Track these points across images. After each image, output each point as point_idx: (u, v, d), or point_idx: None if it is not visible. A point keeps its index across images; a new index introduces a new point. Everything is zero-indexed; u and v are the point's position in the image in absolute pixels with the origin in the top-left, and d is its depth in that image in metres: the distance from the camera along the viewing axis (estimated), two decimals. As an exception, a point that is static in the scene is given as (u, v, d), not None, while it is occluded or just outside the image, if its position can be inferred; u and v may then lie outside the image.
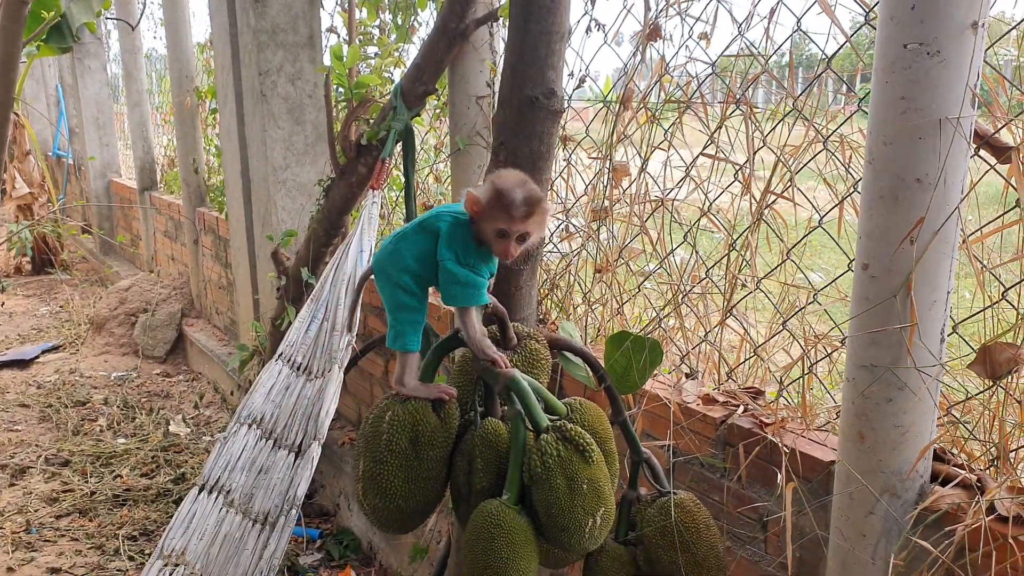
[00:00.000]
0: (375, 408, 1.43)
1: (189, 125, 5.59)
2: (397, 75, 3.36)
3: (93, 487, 3.85)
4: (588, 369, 1.73)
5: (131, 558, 3.25)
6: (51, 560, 3.23)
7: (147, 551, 3.32)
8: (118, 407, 4.90)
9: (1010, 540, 1.35)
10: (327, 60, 3.78)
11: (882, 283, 1.47)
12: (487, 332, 1.39)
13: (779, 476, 1.71)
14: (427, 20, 3.02)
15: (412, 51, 2.99)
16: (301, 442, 1.83)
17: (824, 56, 1.78)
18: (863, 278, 1.51)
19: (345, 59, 2.58)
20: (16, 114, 7.50)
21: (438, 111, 2.98)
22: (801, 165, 1.86)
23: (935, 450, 1.61)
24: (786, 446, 1.74)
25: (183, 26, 5.43)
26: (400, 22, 3.10)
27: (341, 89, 2.80)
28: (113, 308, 5.99)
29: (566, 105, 1.59)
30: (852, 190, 1.77)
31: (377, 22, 3.38)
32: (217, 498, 1.76)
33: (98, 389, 5.27)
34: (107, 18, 6.44)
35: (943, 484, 1.56)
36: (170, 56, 5.57)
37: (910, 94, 1.39)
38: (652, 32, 1.93)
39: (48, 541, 3.40)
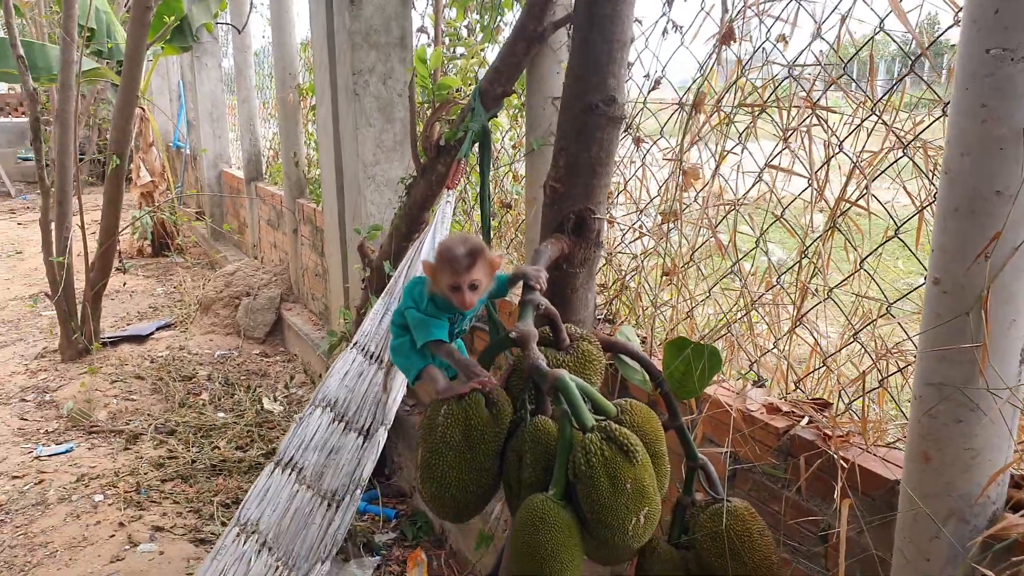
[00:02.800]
0: (432, 403, 1.49)
1: (291, 120, 5.86)
2: (482, 75, 3.44)
3: (194, 456, 4.13)
4: (645, 373, 1.74)
5: (223, 523, 3.48)
6: (155, 519, 3.50)
7: (237, 520, 3.55)
8: (220, 383, 5.22)
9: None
10: (418, 59, 3.91)
11: (954, 299, 1.42)
12: (536, 334, 1.43)
13: (835, 491, 1.67)
14: (512, 20, 3.07)
15: (496, 51, 3.04)
16: (370, 426, 1.92)
17: (908, 56, 1.72)
18: (934, 293, 1.46)
19: (428, 61, 2.66)
20: (142, 108, 8.06)
21: (516, 112, 3.02)
22: (878, 172, 1.80)
23: (1013, 476, 1.53)
24: (846, 461, 1.70)
25: (288, 26, 5.69)
26: (486, 22, 3.17)
27: (424, 90, 2.88)
28: (219, 291, 6.36)
29: (626, 112, 1.60)
30: (932, 199, 1.70)
31: (465, 22, 3.45)
32: (291, 474, 1.88)
33: (203, 366, 5.62)
34: (218, 23, 6.81)
35: (1016, 511, 1.49)
36: (275, 54, 5.85)
37: (991, 102, 1.33)
38: (727, 35, 1.90)
39: (154, 502, 3.68)
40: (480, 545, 2.95)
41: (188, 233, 9.37)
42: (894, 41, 1.75)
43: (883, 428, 1.76)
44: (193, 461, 4.10)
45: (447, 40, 3.42)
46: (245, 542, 1.80)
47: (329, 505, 1.79)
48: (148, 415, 4.78)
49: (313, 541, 1.72)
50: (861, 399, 1.87)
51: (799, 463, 1.83)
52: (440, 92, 2.72)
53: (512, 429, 1.47)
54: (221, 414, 4.78)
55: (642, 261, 2.32)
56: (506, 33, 3.15)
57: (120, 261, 7.98)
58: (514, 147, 3.23)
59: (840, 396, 1.92)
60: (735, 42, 1.92)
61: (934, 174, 1.78)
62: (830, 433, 1.83)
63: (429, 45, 4.04)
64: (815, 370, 2.03)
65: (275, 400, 4.95)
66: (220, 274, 6.58)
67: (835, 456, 1.73)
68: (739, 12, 2.00)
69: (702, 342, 1.69)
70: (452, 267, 1.46)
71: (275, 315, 6.20)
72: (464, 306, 1.47)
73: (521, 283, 1.52)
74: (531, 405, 1.47)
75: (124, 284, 7.82)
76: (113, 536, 3.43)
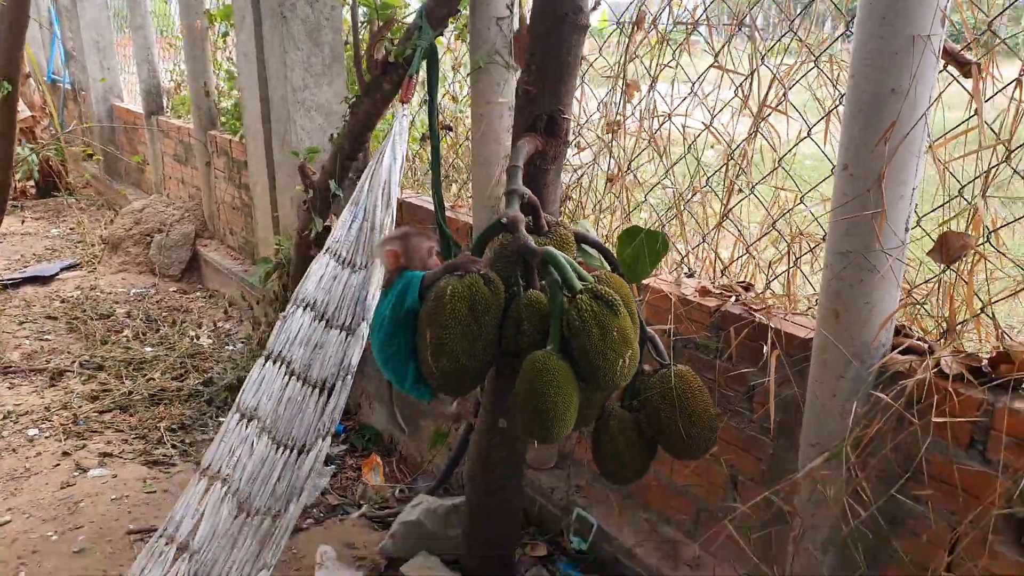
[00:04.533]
0: (434, 290, 1.70)
1: (199, 49, 5.70)
2: (414, -1, 3.53)
3: (129, 387, 4.15)
4: (603, 259, 2.00)
5: (174, 446, 3.57)
6: (101, 447, 3.54)
7: (188, 441, 3.64)
8: (141, 320, 5.17)
9: (950, 390, 1.65)
10: (342, -17, 3.93)
11: (858, 180, 1.73)
12: (524, 219, 1.66)
13: (764, 348, 2.00)
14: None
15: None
16: (351, 323, 2.10)
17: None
18: (843, 176, 1.77)
19: (373, -19, 2.75)
20: (17, 36, 7.52)
21: (457, 33, 3.16)
22: (794, 82, 2.10)
23: (896, 326, 1.90)
24: (776, 327, 2.04)
25: (192, -52, 5.48)
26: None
27: (364, 10, 2.98)
28: (128, 228, 6.20)
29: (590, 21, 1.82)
30: (837, 104, 2.01)
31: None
32: (280, 367, 2.04)
33: (120, 304, 5.52)
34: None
35: (901, 353, 1.85)
36: (179, -22, 5.64)
37: (889, 14, 1.62)
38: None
39: (95, 432, 3.71)
40: (435, 444, 3.20)
41: (78, 172, 8.92)
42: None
43: (797, 299, 2.10)
44: (129, 392, 4.12)
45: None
46: (247, 426, 1.97)
47: (321, 392, 1.98)
48: (68, 353, 4.71)
49: (310, 423, 1.91)
50: (779, 277, 2.21)
51: (729, 335, 2.16)
52: (384, 11, 2.83)
53: (506, 305, 1.70)
54: (149, 348, 4.77)
55: (585, 171, 2.56)
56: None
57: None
58: (453, 68, 3.38)
59: (765, 279, 2.25)
60: (670, -35, 2.16)
61: (838, 81, 2.09)
62: (755, 307, 2.17)
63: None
64: (739, 258, 2.36)
65: (202, 333, 4.97)
66: (127, 211, 6.40)
67: (763, 323, 2.06)
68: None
69: (652, 229, 1.96)
70: (421, 236, 1.80)
71: (190, 251, 6.12)
72: (435, 264, 1.83)
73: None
74: (522, 282, 1.70)
75: (22, 223, 7.45)
76: (58, 465, 3.46)
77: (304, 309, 2.15)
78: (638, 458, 2.03)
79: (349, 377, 1.94)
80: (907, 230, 1.76)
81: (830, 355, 1.87)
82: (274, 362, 2.06)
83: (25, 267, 6.34)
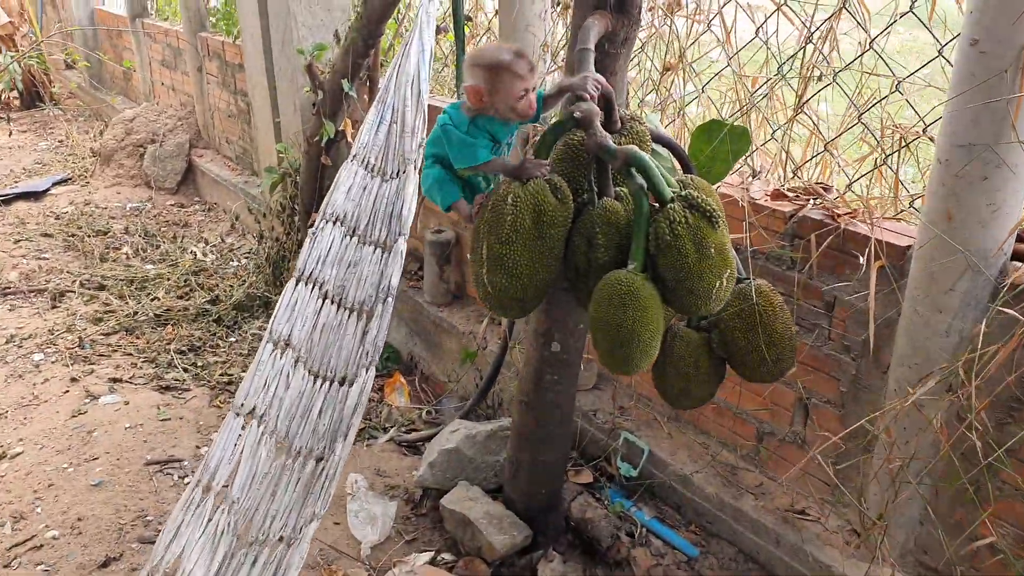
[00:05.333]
0: (493, 194, 1.46)
1: (184, -61, 5.22)
2: None
3: (133, 308, 3.94)
4: (673, 160, 1.74)
5: (185, 369, 3.39)
6: (110, 372, 3.36)
7: (199, 364, 3.45)
8: (140, 236, 4.92)
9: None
10: None
11: (992, 58, 1.46)
12: (600, 113, 1.40)
13: (861, 260, 1.77)
14: None
15: None
16: (386, 239, 1.86)
17: None
18: (970, 54, 1.50)
19: None
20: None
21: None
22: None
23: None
24: (866, 234, 1.80)
25: None
26: None
27: None
28: (120, 139, 5.86)
29: None
30: (952, -31, 1.71)
31: None
32: (313, 289, 1.81)
33: (116, 219, 5.26)
34: None
35: (1020, 261, 1.63)
36: None
37: None
38: None
39: (103, 355, 3.52)
40: (464, 362, 3.02)
41: (62, 81, 8.46)
42: None
43: (895, 201, 1.85)
44: (134, 313, 3.90)
45: None
46: (281, 357, 1.75)
47: (359, 316, 1.75)
48: (68, 272, 4.48)
49: (350, 351, 1.69)
50: (864, 178, 1.96)
51: (809, 243, 1.92)
52: None
53: (575, 214, 1.46)
54: (150, 266, 4.53)
55: (642, 53, 2.27)
56: None
57: (-7, 114, 7.18)
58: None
59: (846, 179, 2.00)
60: None
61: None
62: (838, 211, 1.92)
63: None
64: (815, 156, 2.10)
65: (205, 249, 4.73)
66: (118, 121, 6.03)
67: (851, 230, 1.82)
68: None
69: (735, 124, 1.70)
70: (517, 72, 1.42)
71: (186, 162, 5.80)
72: (529, 111, 1.46)
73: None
74: (595, 188, 1.45)
75: (1, 139, 7.08)
76: (67, 392, 3.28)
77: (334, 224, 1.90)
78: (706, 383, 1.82)
79: (390, 300, 1.70)
80: (1044, 118, 1.50)
81: (938, 265, 1.65)
82: (306, 283, 1.82)
83: (16, 183, 6.03)
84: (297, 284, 1.82)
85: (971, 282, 1.62)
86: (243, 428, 1.59)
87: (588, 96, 1.39)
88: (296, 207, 3.74)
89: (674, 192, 1.35)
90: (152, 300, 4.05)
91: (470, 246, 1.53)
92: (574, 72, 1.48)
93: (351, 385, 1.63)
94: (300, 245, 3.79)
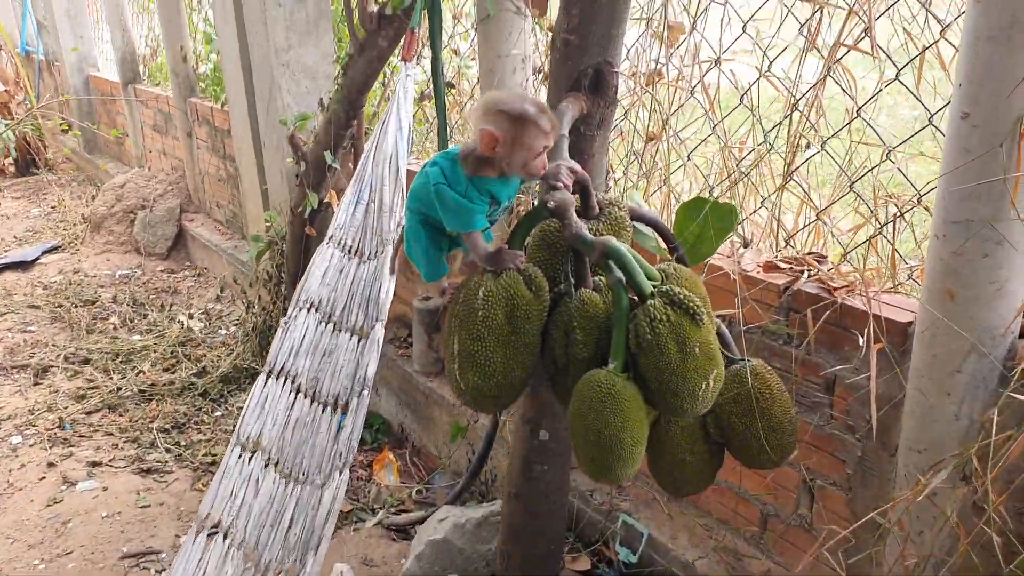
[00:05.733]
0: (463, 287, 1.37)
1: (173, 10, 5.26)
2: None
3: (117, 383, 3.84)
4: (658, 239, 1.67)
5: (168, 450, 3.27)
6: (90, 454, 3.24)
7: (182, 443, 3.34)
8: (128, 305, 4.84)
9: (1115, 389, 1.34)
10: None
11: (985, 131, 1.39)
12: (575, 202, 1.32)
13: (860, 340, 1.68)
14: None
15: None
16: (363, 325, 1.78)
17: None
18: (962, 128, 1.43)
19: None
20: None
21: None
22: (879, 14, 1.74)
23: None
24: (864, 309, 1.71)
25: None
26: None
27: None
28: (110, 206, 5.83)
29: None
30: (939, 38, 1.66)
31: None
32: (285, 383, 1.73)
33: (105, 288, 5.19)
34: None
35: (1029, 339, 1.54)
36: (144, -68, 5.17)
37: (1032, -82, 1.27)
38: None
39: (83, 436, 3.41)
40: (455, 438, 2.91)
41: (57, 148, 8.49)
42: None
43: (893, 274, 1.77)
44: (118, 389, 3.80)
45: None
46: (250, 460, 1.66)
47: (334, 410, 1.66)
48: (53, 346, 4.39)
49: (324, 451, 1.60)
50: (859, 248, 1.88)
51: (805, 317, 1.84)
52: (375, -44, 2.45)
53: (551, 306, 1.37)
54: (137, 337, 4.44)
55: (618, 125, 2.21)
56: None
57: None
58: (453, 18, 2.99)
59: (840, 248, 1.92)
60: None
61: (927, 16, 1.74)
62: (834, 284, 1.84)
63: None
64: (807, 225, 2.03)
65: (197, 317, 4.65)
66: (108, 187, 6.01)
67: (849, 304, 1.74)
68: None
69: (719, 201, 1.62)
70: (539, 127, 1.28)
71: (176, 227, 5.76)
72: (542, 171, 1.33)
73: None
74: (572, 278, 1.37)
75: (-3, 207, 7.07)
76: (44, 478, 3.16)
77: (308, 311, 1.82)
78: (704, 470, 1.72)
79: (366, 392, 1.62)
80: (1044, 191, 1.43)
81: (941, 345, 1.55)
82: (277, 378, 1.74)
83: (6, 251, 5.98)
84: (267, 379, 1.74)
85: (978, 364, 1.52)
86: (206, 545, 1.49)
87: (562, 185, 1.32)
88: (282, 275, 3.67)
89: (654, 285, 1.27)
90: (137, 374, 3.95)
91: (443, 341, 1.45)
92: (550, 157, 1.41)
93: (324, 488, 1.54)
94: (286, 313, 3.70)
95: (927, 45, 1.68)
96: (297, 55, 3.60)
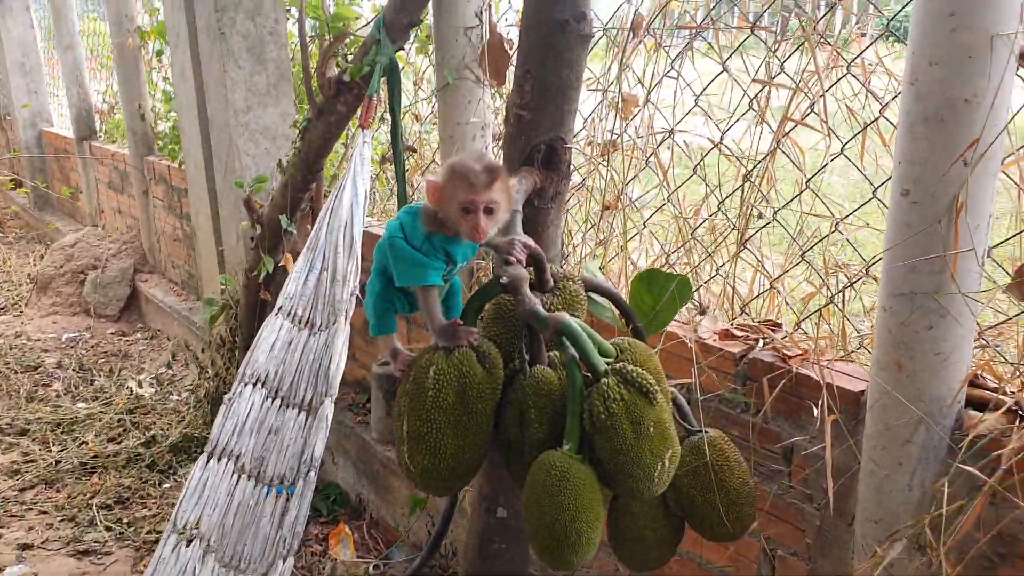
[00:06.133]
0: (414, 365, 1.35)
1: (132, 68, 5.25)
2: (367, 8, 3.18)
3: (57, 456, 3.68)
4: (614, 310, 1.67)
5: (108, 528, 3.12)
6: (21, 536, 3.07)
7: (125, 520, 3.20)
8: (74, 370, 4.69)
9: (1061, 461, 1.36)
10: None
11: (924, 208, 1.43)
12: (528, 277, 1.32)
13: (815, 410, 1.69)
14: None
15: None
16: (311, 400, 1.73)
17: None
18: (903, 204, 1.47)
19: (321, -11, 2.40)
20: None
21: (419, 46, 2.82)
22: (821, 93, 1.80)
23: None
24: (817, 379, 1.72)
25: (117, -40, 5.04)
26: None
27: (313, 22, 2.61)
28: (59, 266, 5.69)
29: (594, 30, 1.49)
30: (878, 116, 1.72)
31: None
32: (227, 464, 1.66)
33: (49, 352, 5.02)
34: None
35: (978, 409, 1.56)
36: (105, -6, 5.19)
37: (960, 10, 1.33)
38: (664, -48, 1.82)
39: (15, 516, 3.23)
40: (413, 510, 2.83)
41: (4, 204, 8.31)
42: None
43: (844, 343, 1.80)
44: (57, 462, 3.63)
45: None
46: (186, 549, 1.58)
47: (279, 494, 1.60)
48: (-11, 415, 4.21)
49: (267, 537, 1.54)
50: (812, 316, 1.90)
51: (762, 386, 1.84)
52: (336, 24, 2.47)
53: (505, 383, 1.35)
54: (82, 405, 4.29)
55: (573, 194, 2.23)
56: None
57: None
58: (414, 84, 3.03)
59: (793, 316, 1.94)
60: (673, -39, 1.84)
61: (867, 94, 1.80)
62: (788, 352, 1.85)
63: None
64: (761, 293, 2.05)
65: (147, 382, 4.51)
66: (57, 247, 5.88)
67: (805, 374, 1.75)
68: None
69: (673, 272, 1.64)
70: (469, 182, 1.27)
71: (129, 288, 5.64)
72: (477, 232, 1.29)
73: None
74: (525, 354, 1.36)
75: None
76: (-30, 562, 3.00)
77: (254, 386, 1.77)
78: (665, 543, 1.70)
79: (312, 474, 1.57)
80: (982, 265, 1.47)
81: (893, 416, 1.57)
82: (219, 459, 1.68)
83: (-54, 314, 5.78)
84: (208, 460, 1.67)
85: (927, 434, 1.54)
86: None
87: (515, 259, 1.31)
88: (236, 340, 3.59)
89: (608, 363, 1.26)
90: (79, 445, 3.79)
91: (393, 418, 1.41)
92: (505, 231, 1.41)
93: (268, 578, 1.47)
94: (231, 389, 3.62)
95: (868, 122, 1.74)
96: (256, 116, 3.60)
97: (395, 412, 1.36)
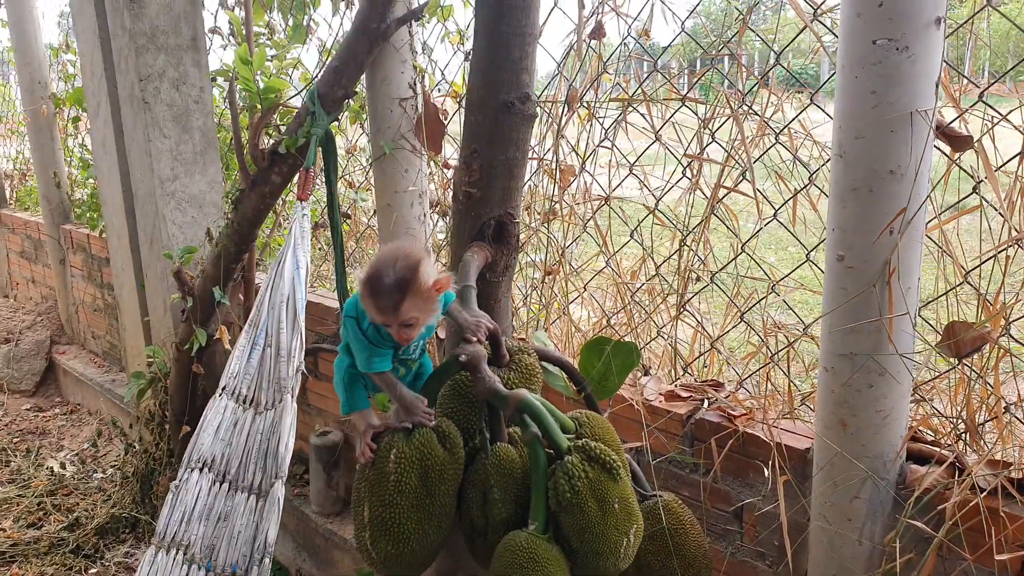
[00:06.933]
0: (377, 452, 1.31)
1: (46, 135, 5.08)
2: (296, 78, 3.18)
3: (-29, 545, 3.43)
4: (565, 378, 1.68)
5: (31, 623, 2.92)
6: (-65, 637, 2.84)
7: (49, 612, 2.99)
8: (-14, 452, 4.40)
9: (1001, 512, 1.42)
10: (212, 63, 3.53)
11: (859, 273, 1.50)
12: (486, 355, 1.31)
13: (765, 470, 1.73)
14: (324, 19, 2.85)
15: (308, 54, 2.83)
16: (261, 482, 1.67)
17: (773, 52, 1.81)
18: (838, 269, 1.54)
19: (253, 62, 2.39)
20: None
21: (352, 116, 2.83)
22: (754, 159, 1.88)
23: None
24: (764, 438, 1.77)
25: (31, 26, 4.91)
26: (292, 22, 2.92)
27: (248, 94, 2.60)
28: (-33, 341, 5.37)
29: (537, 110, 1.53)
30: (808, 183, 1.81)
31: (264, 22, 3.16)
32: (176, 555, 1.58)
33: (-42, 434, 4.71)
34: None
35: (918, 462, 1.62)
36: (18, 61, 5.03)
37: (881, 88, 1.42)
38: (595, 30, 1.89)
39: (-75, 617, 2.99)
40: (359, 584, 2.74)
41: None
42: (756, 35, 1.83)
43: (790, 403, 1.85)
44: (-28, 550, 3.40)
45: (247, 42, 3.11)
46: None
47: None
48: None
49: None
50: (755, 376, 1.96)
51: (710, 446, 1.88)
52: (267, 96, 2.46)
53: (466, 462, 1.34)
54: (-3, 488, 4.02)
55: (524, 255, 2.26)
56: (320, 32, 2.93)
57: None
58: (347, 152, 3.02)
59: (734, 376, 1.99)
60: (604, 36, 1.92)
61: (795, 162, 1.89)
62: (733, 412, 1.90)
63: (225, 47, 3.67)
64: (702, 354, 2.10)
65: (64, 464, 4.26)
66: (-34, 321, 5.56)
67: (751, 433, 1.79)
68: (598, 7, 2.00)
69: (621, 340, 1.67)
70: (376, 307, 1.24)
71: (46, 361, 5.36)
72: (401, 342, 1.29)
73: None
74: (486, 432, 1.35)
75: None
76: None
77: (201, 471, 1.70)
78: (624, 609, 1.69)
79: (267, 560, 1.51)
80: (915, 325, 1.54)
81: (840, 472, 1.61)
82: (167, 551, 1.59)
83: None
84: (157, 553, 1.59)
85: (874, 490, 1.59)
86: None
87: (475, 339, 1.31)
88: (167, 414, 3.45)
89: (570, 440, 1.26)
90: (-4, 533, 3.55)
91: (352, 504, 1.37)
92: (461, 305, 1.40)
93: None
94: (171, 455, 3.46)
95: (798, 189, 1.83)
96: (183, 185, 3.52)
97: (354, 498, 1.32)
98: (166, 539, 1.59)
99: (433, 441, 1.29)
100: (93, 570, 3.29)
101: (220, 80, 3.51)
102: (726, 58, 1.93)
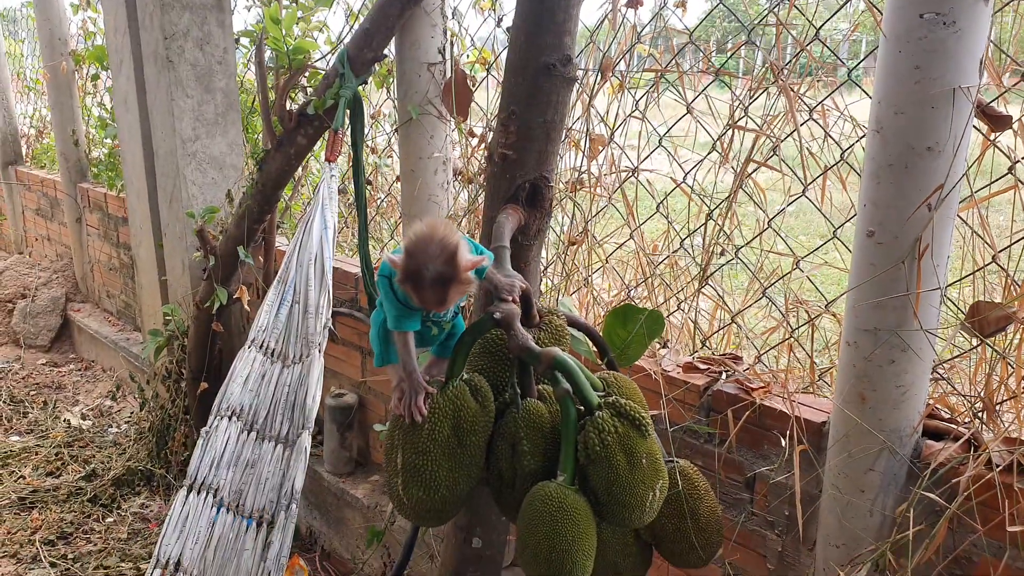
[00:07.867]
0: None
1: (65, 93, 5.09)
2: (322, 41, 3.18)
3: (-8, 492, 3.50)
4: (590, 344, 1.71)
5: (53, 564, 2.98)
6: (-44, 577, 2.92)
7: (69, 555, 3.06)
8: (5, 402, 4.46)
9: (1015, 487, 1.45)
10: (236, 24, 3.53)
11: (889, 249, 1.52)
12: (519, 313, 1.34)
13: (782, 440, 1.76)
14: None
15: (335, 16, 2.83)
16: (288, 433, 1.71)
17: (812, 24, 1.81)
18: (868, 245, 1.56)
19: (283, 21, 2.40)
20: None
21: (379, 80, 2.83)
22: (785, 135, 1.89)
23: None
24: (782, 410, 1.79)
25: (54, -19, 4.91)
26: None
27: (278, 54, 2.61)
28: (-16, 295, 5.43)
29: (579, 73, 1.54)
30: (840, 160, 1.82)
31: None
32: (207, 497, 1.62)
33: (-25, 385, 4.78)
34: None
35: (934, 438, 1.65)
36: (38, 16, 5.03)
37: (924, 63, 1.42)
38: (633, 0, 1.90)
39: (-51, 555, 3.06)
40: (371, 543, 2.79)
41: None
42: (796, 8, 1.84)
43: (812, 376, 1.87)
44: (-8, 497, 3.47)
45: (273, 3, 3.11)
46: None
47: (259, 527, 1.57)
48: (-87, 450, 3.98)
49: (249, 568, 1.51)
50: (773, 350, 1.98)
51: (727, 417, 1.91)
52: (296, 56, 2.47)
53: (497, 416, 1.37)
54: (16, 438, 4.09)
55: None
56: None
57: None
58: (372, 117, 3.03)
59: (753, 350, 2.02)
60: (640, 5, 1.92)
61: (826, 139, 1.90)
62: (751, 384, 1.92)
63: (249, 7, 3.67)
64: (721, 328, 2.12)
65: (82, 416, 4.33)
66: (-18, 275, 5.61)
67: (768, 406, 1.82)
68: (635, -23, 2.00)
69: (646, 307, 1.69)
70: (419, 300, 1.24)
71: (61, 318, 5.42)
72: (439, 311, 1.28)
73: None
74: (517, 388, 1.38)
75: None
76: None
77: (230, 419, 1.74)
78: (634, 570, 1.73)
79: (294, 506, 1.55)
80: (941, 303, 1.56)
81: (856, 444, 1.64)
82: (198, 492, 1.64)
83: None
84: (188, 494, 1.63)
85: (889, 462, 1.62)
86: None
87: (511, 298, 1.34)
88: (183, 372, 3.49)
89: (600, 396, 1.29)
90: (16, 480, 3.61)
91: (384, 452, 1.41)
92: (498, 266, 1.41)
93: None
94: (187, 412, 3.51)
95: (828, 165, 1.84)
96: (204, 145, 3.54)
97: (386, 446, 1.36)
98: (196, 482, 1.64)
99: (466, 393, 1.32)
100: (110, 519, 3.36)
101: (244, 41, 3.51)
102: (761, 34, 1.93)
